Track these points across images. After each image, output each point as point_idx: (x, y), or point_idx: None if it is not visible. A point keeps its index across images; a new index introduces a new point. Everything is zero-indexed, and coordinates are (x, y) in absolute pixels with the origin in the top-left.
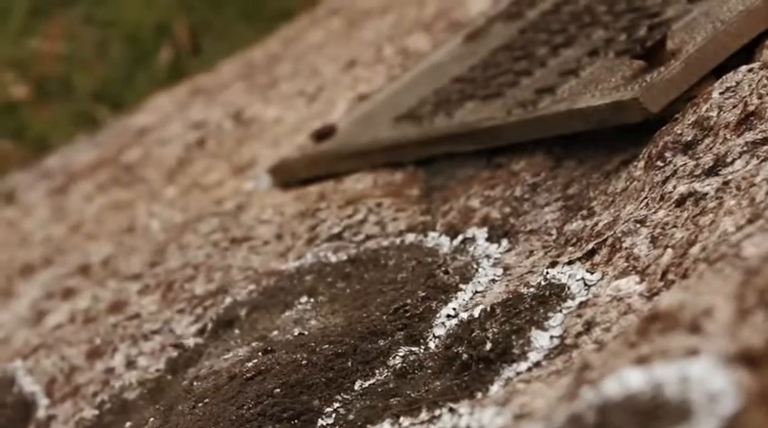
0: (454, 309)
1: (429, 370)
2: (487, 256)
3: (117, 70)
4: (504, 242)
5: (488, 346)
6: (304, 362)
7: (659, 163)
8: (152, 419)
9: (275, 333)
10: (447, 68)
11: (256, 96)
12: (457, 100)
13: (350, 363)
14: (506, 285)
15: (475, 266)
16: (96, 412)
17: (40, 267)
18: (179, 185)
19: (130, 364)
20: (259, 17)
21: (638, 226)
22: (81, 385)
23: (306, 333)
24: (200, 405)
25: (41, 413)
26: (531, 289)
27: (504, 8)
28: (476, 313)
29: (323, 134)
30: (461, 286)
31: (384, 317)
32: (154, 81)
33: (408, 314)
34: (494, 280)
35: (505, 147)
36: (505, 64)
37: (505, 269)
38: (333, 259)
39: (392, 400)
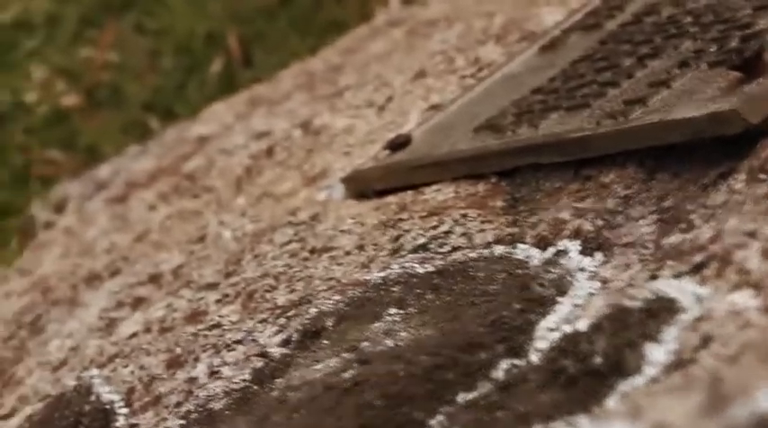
0: (555, 322)
1: (533, 384)
2: (582, 269)
3: (168, 80)
4: (599, 255)
5: (598, 360)
6: (402, 374)
7: (762, 175)
8: (260, 413)
9: (366, 344)
10: (524, 79)
11: (323, 106)
12: (540, 111)
13: (450, 375)
14: (607, 298)
15: (570, 279)
16: (182, 422)
17: (106, 276)
18: (249, 195)
19: (214, 374)
20: (311, 28)
21: (748, 239)
22: (162, 394)
23: (399, 344)
24: (295, 415)
25: (121, 422)
26: (637, 303)
27: (581, 19)
28: (580, 326)
29: (398, 144)
30: (558, 299)
31: (481, 330)
32: (205, 91)
33: (507, 326)
34: (592, 294)
35: (593, 158)
36: (588, 75)
37: (603, 282)
38: (420, 270)
39: (498, 413)
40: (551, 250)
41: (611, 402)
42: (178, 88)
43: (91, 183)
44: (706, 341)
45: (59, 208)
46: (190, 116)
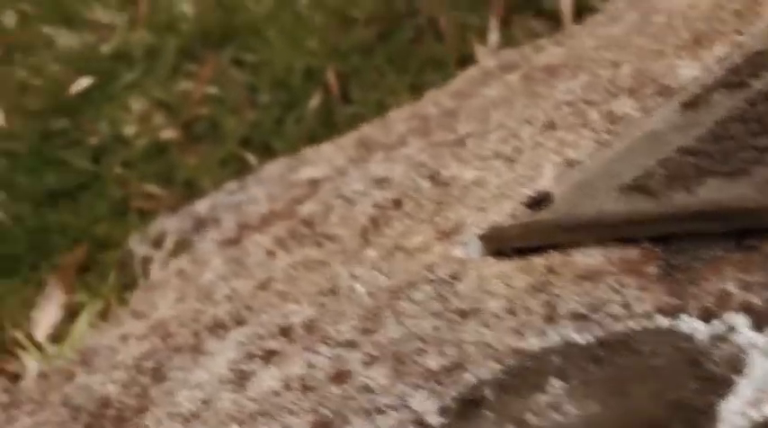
0: (739, 407)
1: None
2: (755, 346)
3: (266, 115)
4: None
5: None
6: None
7: None
8: None
9: (530, 416)
10: (668, 138)
11: (446, 155)
12: (694, 175)
13: None
14: None
15: (743, 357)
16: None
17: (230, 325)
18: (379, 247)
19: None
20: (409, 65)
21: None
22: None
23: (567, 420)
24: None
25: None
26: None
27: (723, 76)
28: None
29: (537, 202)
30: (734, 378)
31: (659, 411)
32: (303, 127)
33: (686, 408)
34: None
35: (757, 228)
36: (742, 138)
37: None
38: (579, 340)
39: None
40: (718, 324)
41: None
42: (276, 123)
43: (189, 218)
44: None
45: (157, 242)
46: (287, 151)
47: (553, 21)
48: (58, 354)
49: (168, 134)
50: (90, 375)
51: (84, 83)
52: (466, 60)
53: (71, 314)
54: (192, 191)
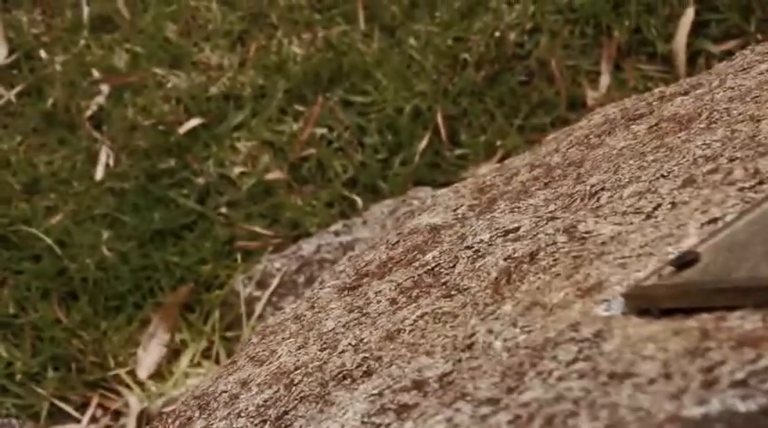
0: None
1: None
2: None
3: (373, 157)
4: None
5: None
6: None
7: None
8: None
9: None
10: None
11: (579, 209)
12: None
13: None
14: None
15: None
16: None
17: (358, 376)
18: (515, 301)
19: None
20: (518, 108)
21: None
22: None
23: None
24: None
25: None
26: None
27: None
28: None
29: (685, 262)
30: None
31: None
32: (410, 169)
33: None
34: None
35: None
36: None
37: None
38: (742, 408)
39: None
40: None
41: None
42: (383, 165)
43: (294, 259)
44: None
45: (262, 283)
46: (393, 193)
47: (666, 65)
48: (160, 393)
49: (275, 175)
50: (210, 421)
51: (192, 123)
52: (576, 103)
53: (174, 353)
54: (297, 231)
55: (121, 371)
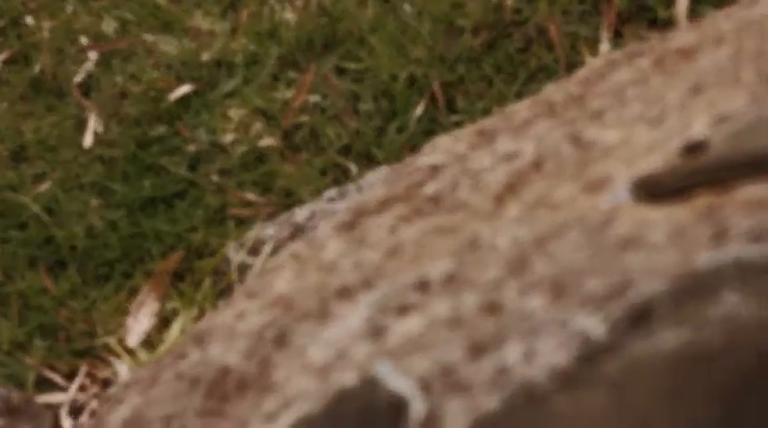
0: None
1: None
2: None
3: (368, 124)
4: None
5: None
6: None
7: None
8: (590, 394)
9: (705, 322)
10: None
11: (585, 124)
12: None
13: None
14: None
15: None
16: (499, 402)
17: (360, 289)
18: (519, 205)
19: (529, 358)
20: (517, 75)
21: None
22: (469, 382)
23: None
24: (654, 379)
25: (420, 411)
26: None
27: None
28: None
29: (692, 149)
30: None
31: None
32: (405, 136)
33: None
34: None
35: None
36: None
37: None
38: (755, 255)
39: None
40: None
41: None
42: (378, 132)
43: (287, 226)
44: None
45: (255, 250)
46: (388, 161)
47: (668, 30)
48: (150, 361)
49: (267, 142)
50: (205, 351)
51: (183, 90)
52: (575, 70)
53: (164, 321)
54: (290, 199)
55: (110, 340)
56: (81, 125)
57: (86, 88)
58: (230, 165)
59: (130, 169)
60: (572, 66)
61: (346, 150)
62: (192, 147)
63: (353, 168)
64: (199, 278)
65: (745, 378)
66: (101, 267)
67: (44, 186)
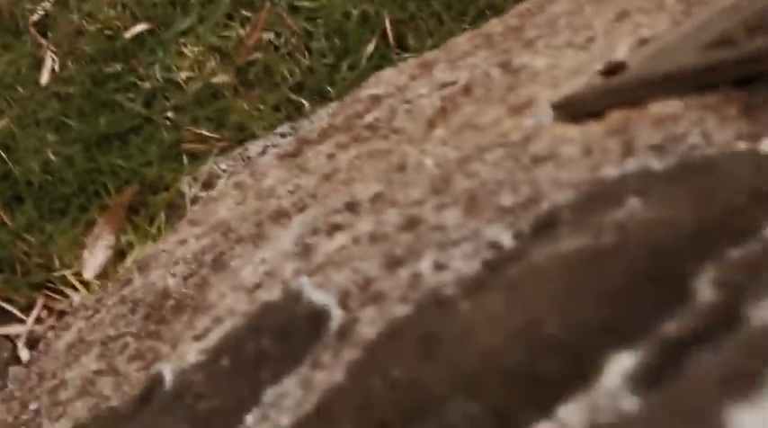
0: None
1: None
2: None
3: (320, 61)
4: None
5: None
6: (666, 236)
7: None
8: (492, 296)
9: (606, 225)
10: (748, 5)
11: (517, 52)
12: None
13: (716, 236)
14: None
15: None
16: (410, 308)
17: (294, 212)
18: (448, 127)
19: (441, 267)
20: (466, 13)
21: None
22: (383, 292)
23: (652, 218)
24: (550, 280)
25: (338, 321)
26: None
27: None
28: None
29: (612, 70)
30: None
31: (741, 199)
32: (357, 73)
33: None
34: None
35: None
36: None
37: None
38: (658, 166)
39: None
40: None
41: None
42: (330, 69)
43: (240, 160)
44: None
45: (208, 184)
46: (340, 97)
47: None
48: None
49: (221, 79)
50: (148, 277)
51: (138, 28)
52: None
53: (120, 254)
54: (243, 134)
55: (67, 273)
56: (38, 63)
57: (43, 27)
58: (185, 102)
59: (86, 106)
60: (520, 3)
61: (299, 87)
62: (147, 84)
63: (306, 104)
64: (153, 212)
65: (636, 276)
66: (57, 202)
67: (1, 123)
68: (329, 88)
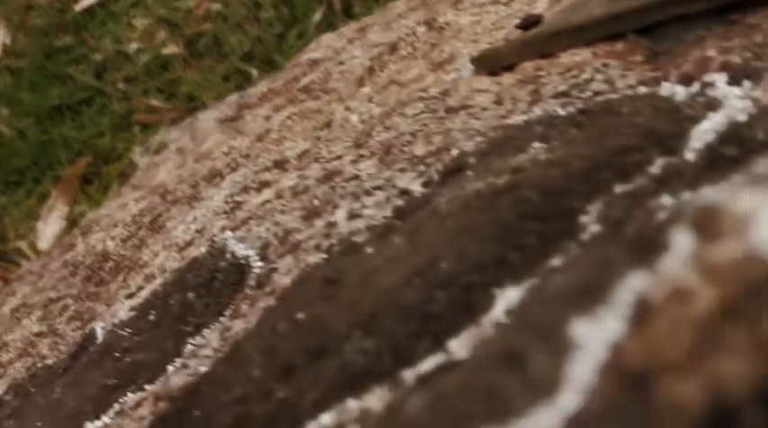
0: (708, 127)
1: (690, 177)
2: (730, 96)
3: (268, 30)
4: (747, 83)
5: (761, 137)
6: (558, 176)
7: None
8: (395, 239)
9: (509, 168)
10: None
11: (443, 10)
12: None
13: (606, 174)
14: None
15: (720, 101)
16: (324, 255)
17: (227, 172)
18: (374, 84)
19: (354, 216)
20: None
21: None
22: (300, 241)
23: (551, 158)
24: (449, 222)
25: (258, 271)
26: None
27: None
28: (740, 118)
29: (529, 23)
30: (710, 114)
31: (634, 139)
32: (305, 42)
33: (660, 134)
34: (744, 108)
35: (739, 3)
36: None
37: (754, 101)
38: (562, 112)
39: (656, 198)
40: (697, 84)
41: None
42: (278, 38)
43: (190, 130)
44: None
45: (159, 154)
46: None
47: None
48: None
49: (171, 50)
50: (89, 240)
51: (88, 1)
52: None
53: (74, 224)
54: (194, 104)
55: (22, 243)
56: None
57: None
58: (135, 73)
59: (38, 79)
60: None
61: (248, 56)
62: (97, 56)
63: (255, 73)
64: (106, 182)
65: (526, 214)
66: (11, 174)
67: None
68: (277, 57)
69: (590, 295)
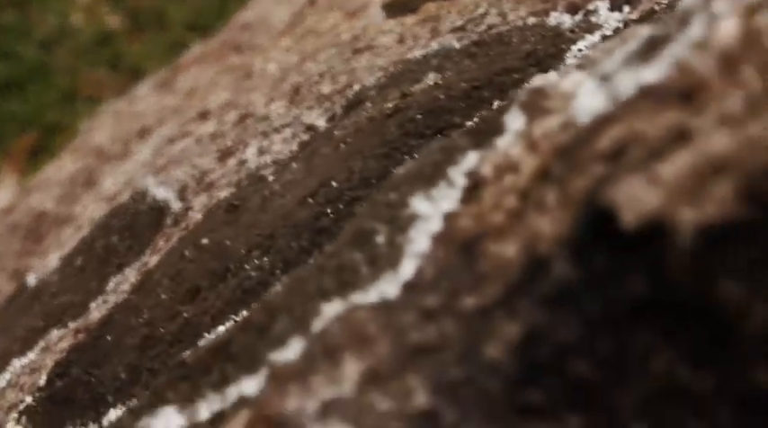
0: (585, 45)
1: None
2: (610, 21)
3: (210, 1)
4: (627, 8)
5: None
6: (442, 97)
7: None
8: (294, 166)
9: (404, 94)
10: None
11: None
12: None
13: (486, 93)
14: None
15: (599, 26)
16: (233, 189)
17: (156, 127)
18: (294, 36)
19: (263, 153)
20: None
21: None
22: (214, 180)
23: (438, 83)
24: (342, 145)
25: (176, 210)
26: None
27: None
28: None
29: None
30: (587, 36)
31: (516, 62)
32: None
33: (539, 55)
34: (619, 28)
35: None
36: None
37: (626, 23)
38: (457, 45)
39: None
40: (581, 12)
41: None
42: (219, 9)
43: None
44: None
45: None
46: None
47: None
48: None
49: (114, 23)
50: (28, 201)
51: None
52: None
53: None
54: (138, 76)
55: None
56: None
57: None
58: (79, 47)
59: None
60: None
61: (190, 27)
62: (42, 32)
63: (197, 44)
64: (54, 154)
65: (409, 132)
66: None
67: None
68: (219, 25)
69: (431, 175)
